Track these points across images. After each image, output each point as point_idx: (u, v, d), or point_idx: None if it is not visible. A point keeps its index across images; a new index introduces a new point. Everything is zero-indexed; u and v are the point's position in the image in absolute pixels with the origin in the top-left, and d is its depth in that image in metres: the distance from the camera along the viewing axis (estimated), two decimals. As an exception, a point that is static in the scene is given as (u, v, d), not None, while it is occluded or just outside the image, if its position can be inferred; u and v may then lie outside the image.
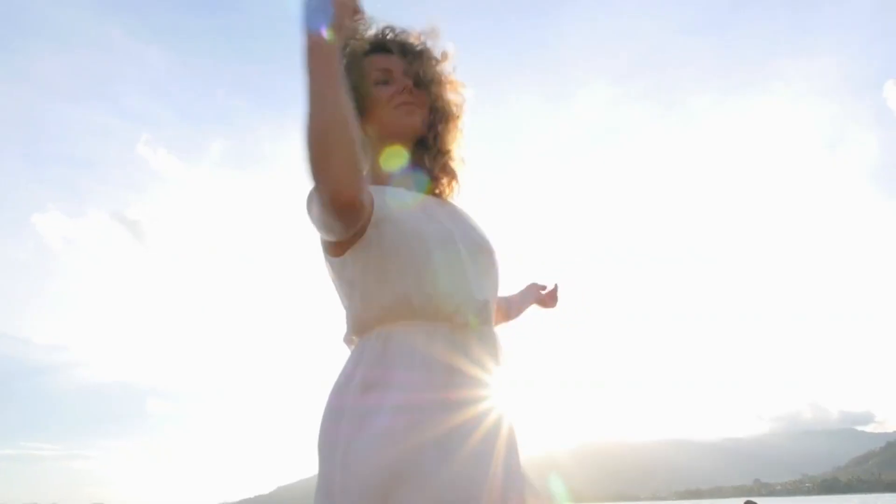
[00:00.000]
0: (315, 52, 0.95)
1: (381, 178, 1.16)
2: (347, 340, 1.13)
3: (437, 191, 1.22)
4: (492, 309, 1.12)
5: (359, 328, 1.09)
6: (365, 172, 1.13)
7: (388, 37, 1.21)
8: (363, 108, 1.14)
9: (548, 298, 1.57)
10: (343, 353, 1.12)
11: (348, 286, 1.09)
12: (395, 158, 1.13)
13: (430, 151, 1.20)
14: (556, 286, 1.57)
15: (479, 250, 1.13)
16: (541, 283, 1.58)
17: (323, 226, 1.00)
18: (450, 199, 1.23)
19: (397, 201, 1.10)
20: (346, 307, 1.12)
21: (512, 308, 1.49)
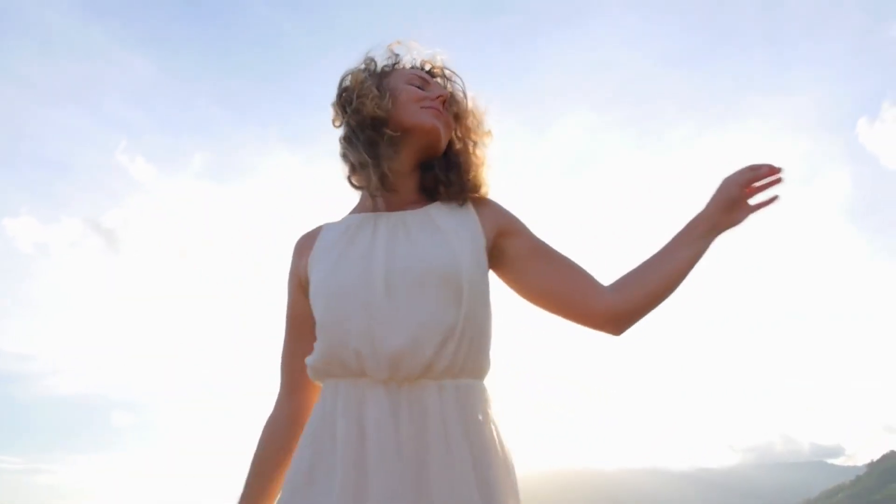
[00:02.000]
0: None
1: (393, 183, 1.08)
2: None
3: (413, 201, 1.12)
4: (416, 357, 0.94)
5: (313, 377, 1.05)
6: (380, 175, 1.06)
7: (437, 60, 1.18)
8: (390, 105, 1.07)
9: (752, 190, 1.09)
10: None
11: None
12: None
13: (437, 169, 1.13)
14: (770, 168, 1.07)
15: (410, 281, 0.98)
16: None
17: None
18: (435, 211, 1.08)
19: (325, 243, 1.08)
20: None
21: (682, 246, 1.08)
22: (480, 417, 0.96)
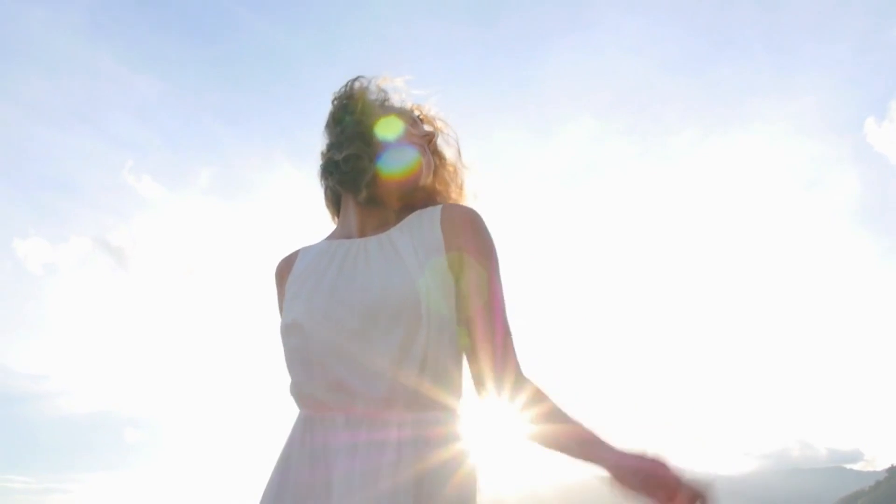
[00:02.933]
0: None
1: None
2: None
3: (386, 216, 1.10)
4: (365, 392, 0.94)
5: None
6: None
7: (428, 108, 1.17)
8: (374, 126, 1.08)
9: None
10: None
11: None
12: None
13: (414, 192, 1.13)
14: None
15: (359, 314, 0.97)
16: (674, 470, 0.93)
17: None
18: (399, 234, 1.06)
19: (296, 273, 1.09)
20: None
21: (585, 445, 0.96)
22: (440, 453, 0.93)
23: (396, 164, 1.04)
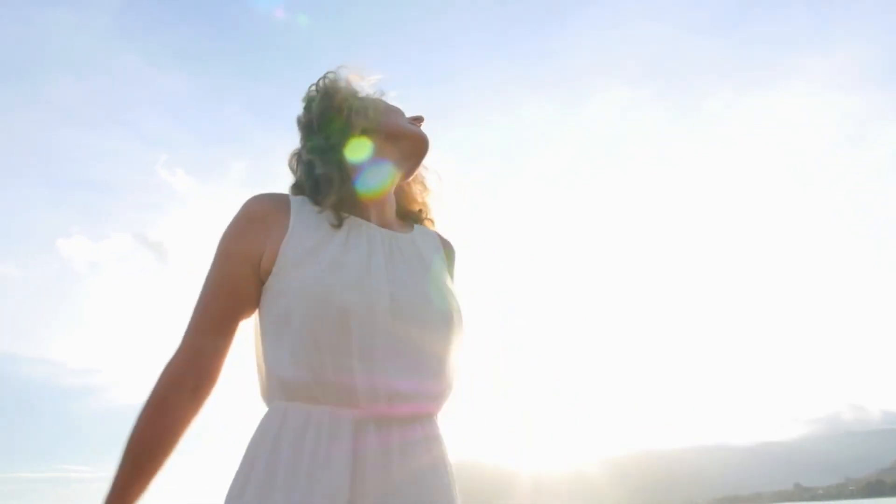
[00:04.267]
0: None
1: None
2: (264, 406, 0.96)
3: (407, 225, 1.10)
4: (417, 398, 0.91)
5: (263, 395, 0.95)
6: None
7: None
8: (374, 123, 1.04)
9: None
10: None
11: (256, 338, 0.97)
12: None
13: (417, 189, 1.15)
14: None
15: (415, 315, 0.93)
16: None
17: None
18: (423, 239, 1.07)
19: (303, 235, 0.94)
20: (255, 364, 0.98)
21: None
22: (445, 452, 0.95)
23: (372, 184, 1.02)
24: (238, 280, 0.93)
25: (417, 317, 0.93)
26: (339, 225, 0.96)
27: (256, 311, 0.96)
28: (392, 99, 1.11)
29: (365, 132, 1.02)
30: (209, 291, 0.94)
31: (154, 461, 0.89)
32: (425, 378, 0.92)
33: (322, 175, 0.98)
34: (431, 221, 1.15)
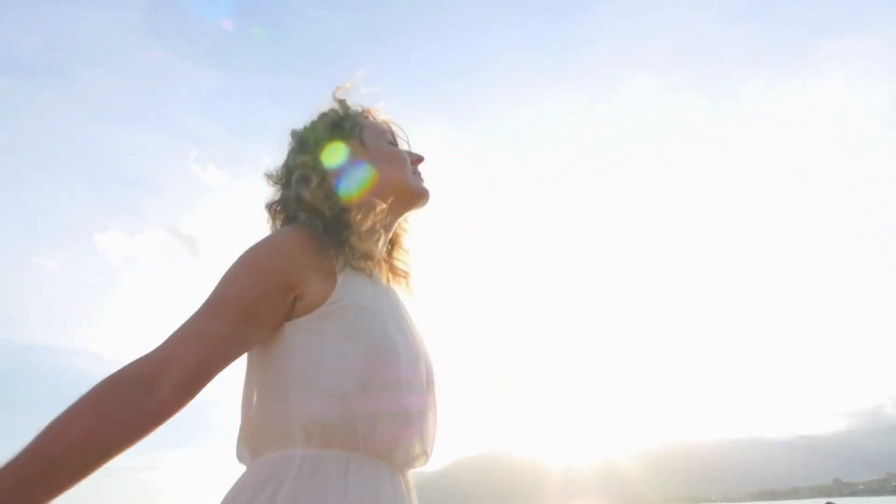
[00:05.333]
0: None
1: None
2: (242, 455, 0.91)
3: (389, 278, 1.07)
4: (432, 446, 0.96)
5: (268, 442, 0.86)
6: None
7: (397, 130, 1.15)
8: (364, 145, 1.05)
9: None
10: None
11: (272, 378, 0.88)
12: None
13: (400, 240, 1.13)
14: None
15: (432, 375, 0.98)
16: None
17: None
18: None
19: (360, 287, 0.94)
20: (253, 407, 0.89)
21: None
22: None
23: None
24: (264, 301, 0.86)
25: (431, 368, 0.98)
26: (371, 276, 0.97)
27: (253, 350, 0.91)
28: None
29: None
30: (223, 300, 0.85)
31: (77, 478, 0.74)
32: (436, 439, 0.97)
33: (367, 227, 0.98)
34: (406, 275, 1.12)
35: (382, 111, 1.13)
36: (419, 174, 1.10)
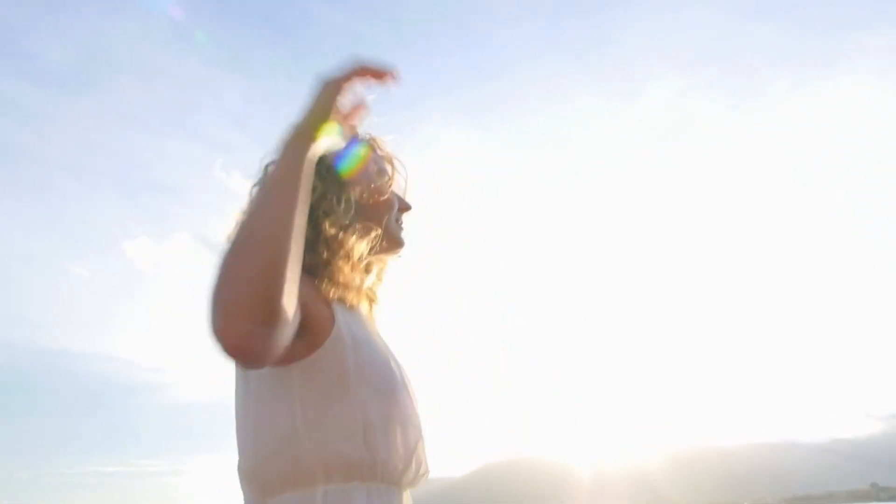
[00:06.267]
0: (299, 150, 0.80)
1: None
2: (250, 496, 0.88)
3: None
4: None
5: (284, 482, 0.83)
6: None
7: (398, 163, 1.12)
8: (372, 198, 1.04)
9: None
10: None
11: (283, 418, 0.84)
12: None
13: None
14: None
15: (415, 392, 1.00)
16: None
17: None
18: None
19: (340, 307, 0.93)
20: (260, 446, 0.86)
21: None
22: None
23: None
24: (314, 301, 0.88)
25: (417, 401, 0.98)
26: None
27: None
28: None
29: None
30: None
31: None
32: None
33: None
34: (372, 298, 1.10)
35: (388, 144, 1.12)
36: (400, 223, 1.09)
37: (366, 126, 1.08)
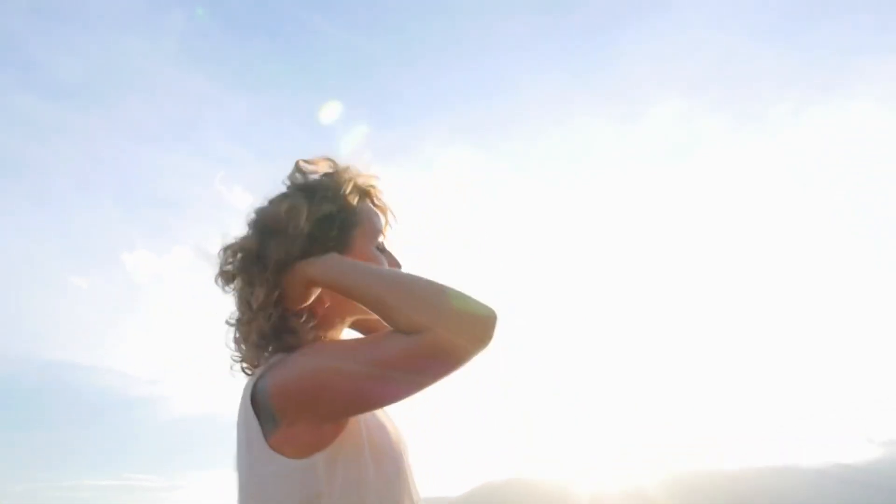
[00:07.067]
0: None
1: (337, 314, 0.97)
2: None
3: None
4: None
5: None
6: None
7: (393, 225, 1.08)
8: (350, 249, 0.96)
9: None
10: None
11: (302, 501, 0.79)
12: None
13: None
14: None
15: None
16: None
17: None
18: None
19: None
20: None
21: None
22: None
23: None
24: None
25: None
26: None
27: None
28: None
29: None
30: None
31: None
32: None
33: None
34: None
35: (383, 193, 1.06)
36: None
37: (366, 160, 1.05)
